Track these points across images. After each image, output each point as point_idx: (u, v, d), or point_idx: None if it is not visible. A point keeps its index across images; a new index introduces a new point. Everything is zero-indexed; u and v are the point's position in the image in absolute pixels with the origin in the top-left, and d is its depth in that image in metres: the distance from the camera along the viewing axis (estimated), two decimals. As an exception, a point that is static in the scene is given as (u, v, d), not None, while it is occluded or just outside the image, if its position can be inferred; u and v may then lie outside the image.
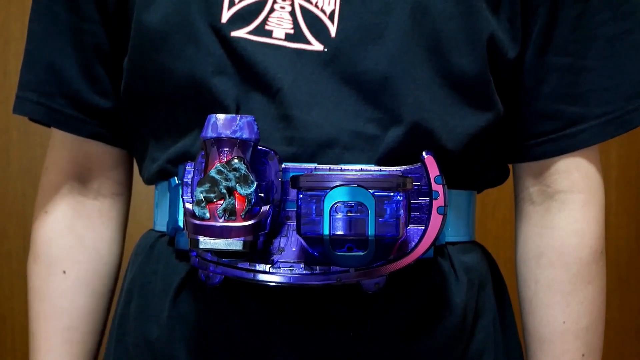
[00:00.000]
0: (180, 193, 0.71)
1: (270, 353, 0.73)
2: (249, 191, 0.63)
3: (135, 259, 0.84)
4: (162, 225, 0.81)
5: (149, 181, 0.83)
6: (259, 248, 0.66)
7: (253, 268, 0.68)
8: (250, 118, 0.64)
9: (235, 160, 0.64)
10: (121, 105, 0.83)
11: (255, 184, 0.64)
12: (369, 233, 0.63)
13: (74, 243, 0.87)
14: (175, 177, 0.75)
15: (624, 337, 1.85)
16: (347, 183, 0.63)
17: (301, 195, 0.64)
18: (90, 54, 0.81)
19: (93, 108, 0.83)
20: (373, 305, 0.72)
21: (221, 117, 0.64)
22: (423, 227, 0.68)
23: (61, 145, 0.87)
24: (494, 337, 0.80)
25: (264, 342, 0.73)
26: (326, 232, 0.63)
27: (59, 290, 0.86)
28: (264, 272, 0.67)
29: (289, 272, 0.67)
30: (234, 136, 0.63)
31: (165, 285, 0.77)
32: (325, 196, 0.63)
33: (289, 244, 0.68)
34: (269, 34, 0.72)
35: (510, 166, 0.86)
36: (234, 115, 0.64)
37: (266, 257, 0.68)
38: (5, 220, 1.79)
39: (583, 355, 0.80)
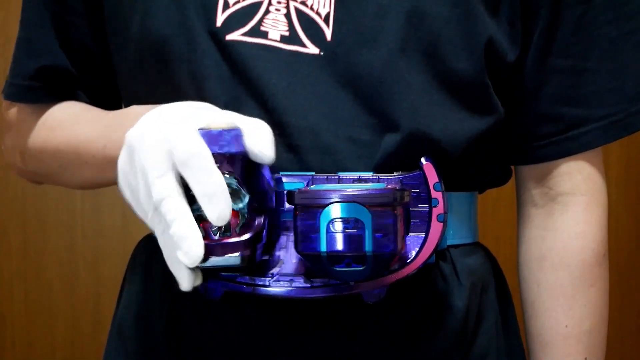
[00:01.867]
0: None
1: (270, 358, 0.73)
2: (241, 205, 0.63)
3: (134, 264, 0.84)
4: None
5: None
6: (259, 260, 0.65)
7: (253, 282, 0.67)
8: (236, 131, 0.63)
9: (226, 175, 0.62)
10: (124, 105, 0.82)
11: (248, 197, 0.63)
12: (367, 249, 0.62)
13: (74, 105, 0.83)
14: None
15: (624, 337, 1.85)
16: (343, 199, 0.62)
17: (297, 212, 0.64)
18: (73, 47, 0.82)
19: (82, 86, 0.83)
20: (374, 309, 0.72)
21: (206, 132, 0.62)
22: (423, 235, 0.67)
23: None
24: (497, 340, 0.80)
25: (263, 347, 0.73)
26: (323, 249, 0.62)
27: (78, 105, 0.82)
28: (264, 285, 0.67)
29: (288, 285, 0.67)
30: (222, 151, 0.62)
31: (165, 291, 0.77)
32: (321, 213, 0.62)
33: (288, 256, 0.68)
34: (264, 34, 0.71)
35: (513, 167, 0.86)
36: (220, 130, 0.63)
37: (266, 270, 0.68)
38: (5, 220, 1.80)
39: (585, 358, 0.80)
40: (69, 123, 0.79)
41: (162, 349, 0.76)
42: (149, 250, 0.82)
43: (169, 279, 0.76)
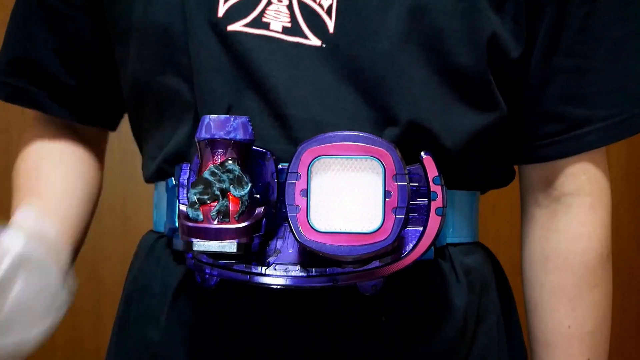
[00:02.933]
0: (177, 194, 0.71)
1: (268, 354, 0.73)
2: (242, 193, 0.63)
3: (136, 260, 0.84)
4: (161, 226, 0.80)
5: (148, 180, 0.83)
6: (255, 250, 0.65)
7: (249, 270, 0.67)
8: (244, 119, 0.64)
9: (229, 162, 0.63)
10: (126, 99, 0.83)
11: (250, 185, 0.63)
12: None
13: (65, 151, 0.87)
14: (173, 178, 0.75)
15: (624, 337, 1.85)
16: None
17: None
18: (67, 38, 0.83)
19: (62, 87, 0.85)
20: (371, 307, 0.72)
21: (215, 117, 0.64)
22: (421, 229, 0.67)
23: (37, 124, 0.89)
24: (498, 340, 0.79)
25: (261, 343, 0.73)
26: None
27: (53, 171, 0.86)
28: (260, 274, 0.67)
29: (284, 274, 0.67)
30: (228, 137, 0.63)
31: (164, 287, 0.77)
32: None
33: (286, 245, 0.68)
34: (266, 26, 0.71)
35: (516, 168, 0.85)
36: (227, 116, 0.63)
37: (262, 258, 0.68)
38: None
39: (588, 359, 0.80)
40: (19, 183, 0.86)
41: (162, 344, 0.76)
42: (148, 246, 0.82)
43: (169, 275, 0.77)
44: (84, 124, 0.89)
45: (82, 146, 0.90)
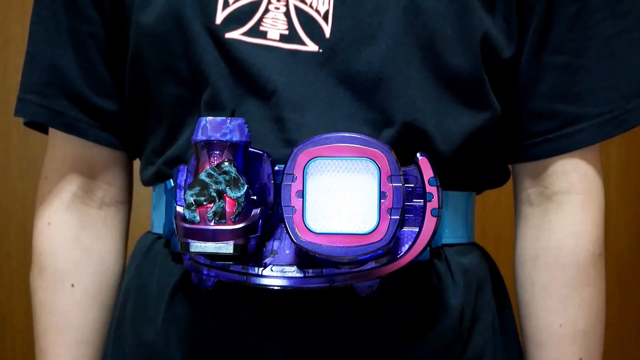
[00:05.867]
0: (174, 196, 0.71)
1: (264, 355, 0.73)
2: (239, 194, 0.63)
3: (133, 261, 0.85)
4: (159, 228, 0.81)
5: (146, 183, 0.83)
6: (252, 251, 0.66)
7: (245, 271, 0.67)
8: (240, 121, 0.64)
9: (226, 163, 0.64)
10: (125, 105, 0.83)
11: (246, 187, 0.64)
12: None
13: (81, 255, 0.85)
14: (171, 180, 0.76)
15: (624, 337, 1.85)
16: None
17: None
18: (92, 56, 0.81)
19: (97, 110, 0.82)
20: (368, 307, 0.72)
21: (211, 119, 0.64)
22: (417, 230, 0.67)
23: (62, 153, 0.85)
24: (493, 340, 0.79)
25: (258, 344, 0.73)
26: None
27: (68, 304, 0.85)
28: (257, 275, 0.67)
29: (281, 275, 0.67)
30: (224, 139, 0.63)
31: (161, 287, 0.77)
32: None
33: (282, 246, 0.68)
34: (263, 35, 0.72)
35: (510, 167, 0.86)
36: (224, 117, 0.64)
37: (259, 260, 0.68)
38: (5, 220, 1.80)
39: (581, 359, 0.80)
40: (45, 316, 0.86)
41: (158, 345, 0.76)
42: (145, 247, 0.82)
43: (166, 275, 0.77)
44: (119, 149, 0.86)
45: (109, 222, 0.88)
